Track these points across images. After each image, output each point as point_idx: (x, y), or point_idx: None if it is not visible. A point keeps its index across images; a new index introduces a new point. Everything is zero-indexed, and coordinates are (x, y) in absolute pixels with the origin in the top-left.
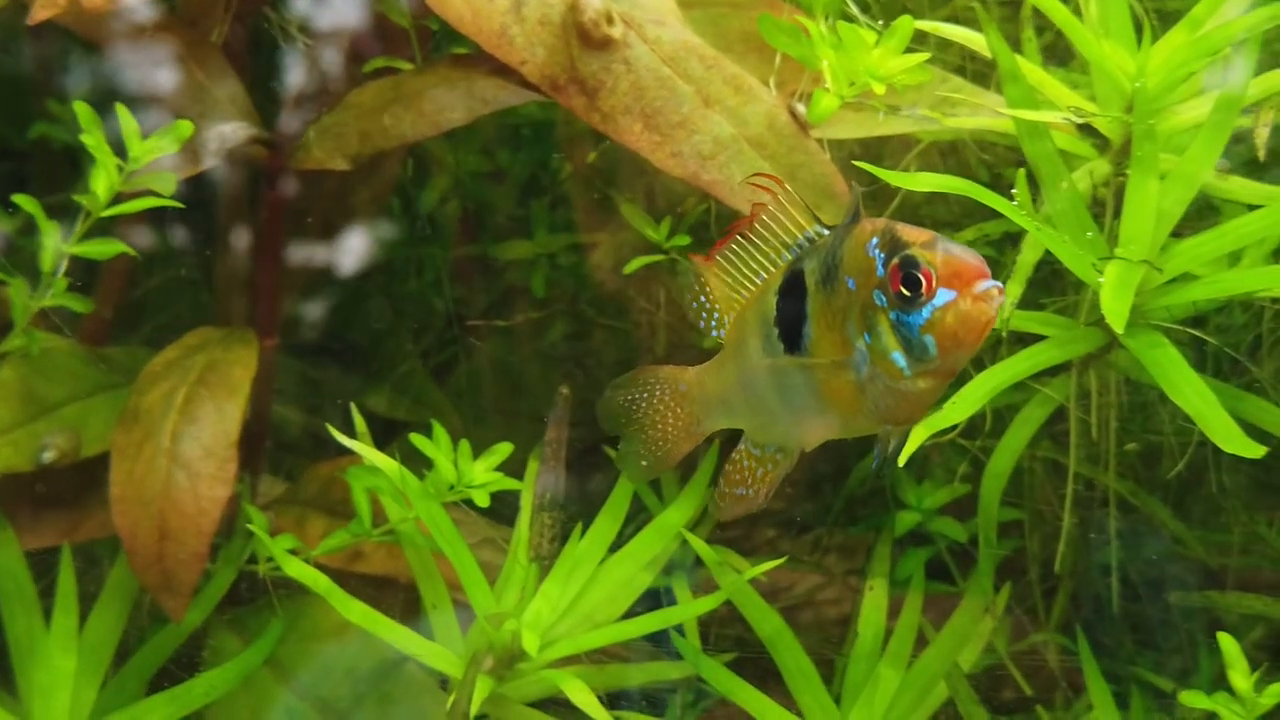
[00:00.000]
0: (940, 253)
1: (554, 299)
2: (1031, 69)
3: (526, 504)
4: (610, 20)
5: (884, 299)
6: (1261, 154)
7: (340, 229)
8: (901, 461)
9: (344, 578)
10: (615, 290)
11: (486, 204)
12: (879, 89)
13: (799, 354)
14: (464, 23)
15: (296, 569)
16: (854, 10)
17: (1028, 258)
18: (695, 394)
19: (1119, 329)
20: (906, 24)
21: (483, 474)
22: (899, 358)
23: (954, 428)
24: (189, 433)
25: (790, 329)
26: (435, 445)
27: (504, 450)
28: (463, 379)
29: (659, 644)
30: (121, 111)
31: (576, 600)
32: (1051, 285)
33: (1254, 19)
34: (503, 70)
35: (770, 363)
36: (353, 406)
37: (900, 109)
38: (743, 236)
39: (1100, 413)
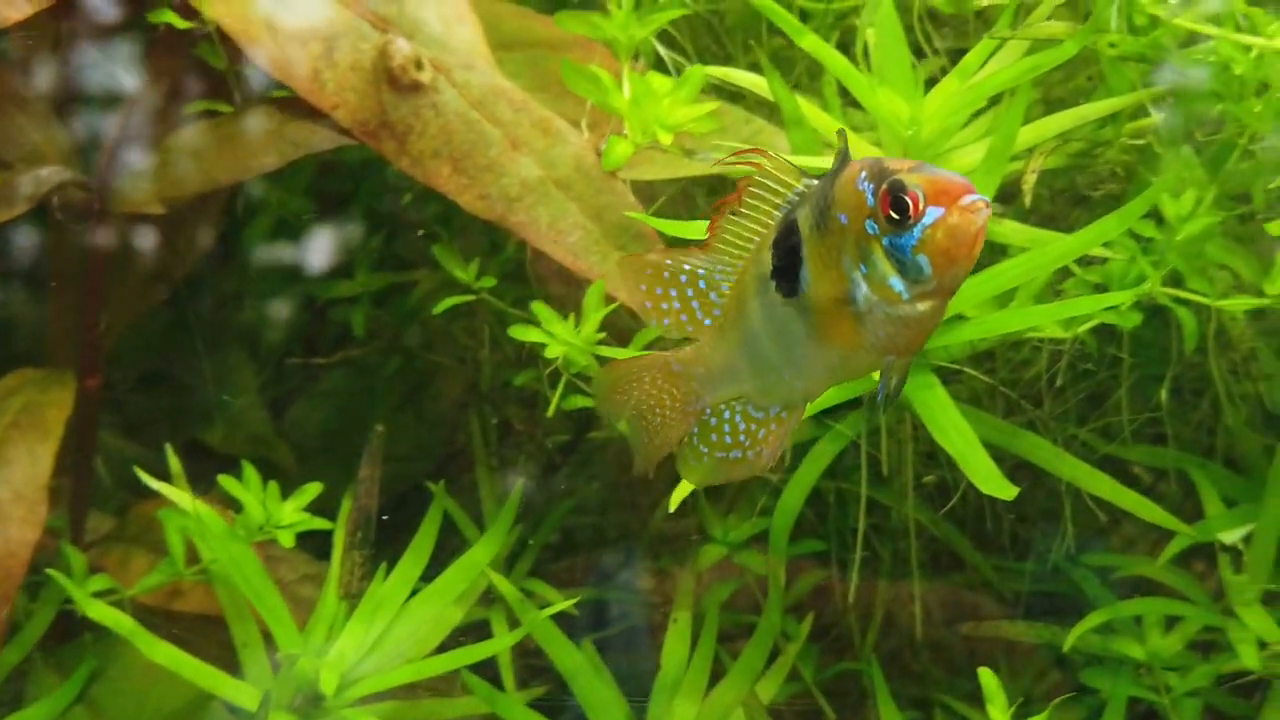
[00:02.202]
0: (926, 175)
1: (380, 335)
2: (817, 114)
3: (339, 542)
4: (419, 65)
5: (876, 227)
6: (1028, 200)
7: (171, 268)
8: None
9: (167, 615)
10: (440, 328)
11: (311, 242)
12: (665, 138)
13: (796, 303)
14: (277, 67)
15: (99, 611)
16: (665, 52)
17: None
18: (694, 371)
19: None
20: (697, 73)
21: (290, 514)
22: (895, 282)
23: None
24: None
25: (788, 278)
26: (244, 486)
27: (312, 490)
28: (299, 413)
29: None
30: None
31: (382, 638)
32: None
33: (1021, 67)
34: (316, 114)
35: (780, 300)
36: (168, 446)
37: (698, 152)
38: (734, 214)
39: (904, 446)
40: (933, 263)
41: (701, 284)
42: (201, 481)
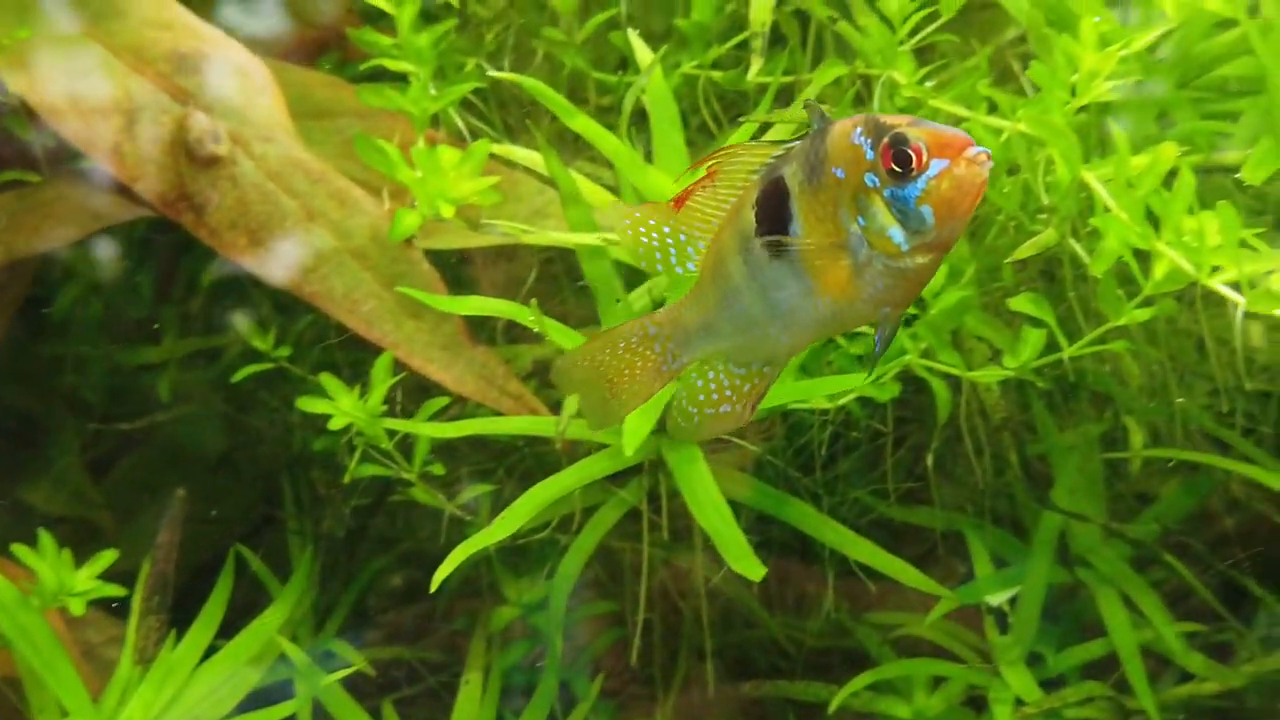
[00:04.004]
0: (927, 129)
1: (193, 398)
2: (595, 191)
3: (135, 607)
4: (217, 138)
5: (876, 180)
6: None
7: None
8: None
9: None
10: (249, 392)
11: (121, 308)
12: (447, 211)
13: (786, 258)
14: (79, 139)
15: None
16: (476, 121)
17: None
18: (669, 332)
19: (629, 450)
20: (482, 148)
21: (84, 581)
22: (896, 233)
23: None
24: None
25: (775, 234)
26: (39, 554)
27: (108, 558)
28: (120, 474)
29: None
30: None
31: (173, 703)
32: None
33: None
34: (118, 186)
35: (766, 242)
36: None
37: (487, 223)
38: (705, 186)
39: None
40: (936, 213)
41: (682, 237)
42: (28, 541)
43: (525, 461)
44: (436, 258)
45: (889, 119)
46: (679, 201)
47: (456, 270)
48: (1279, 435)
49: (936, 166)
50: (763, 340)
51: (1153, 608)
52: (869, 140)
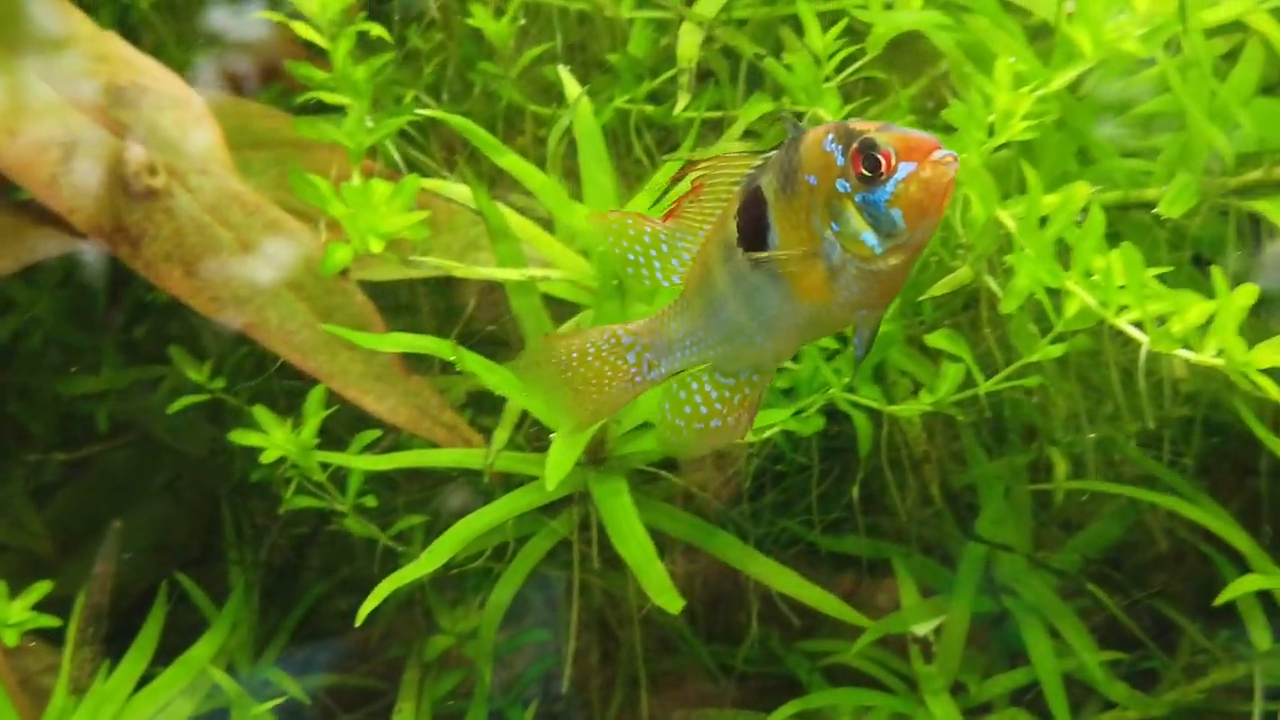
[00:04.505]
0: (895, 134)
1: (134, 427)
2: (524, 225)
3: (70, 638)
4: (153, 171)
5: (847, 185)
6: None
7: None
8: None
9: None
10: (189, 421)
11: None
12: (376, 246)
13: (765, 266)
14: (15, 171)
15: None
16: (416, 153)
17: (513, 408)
18: (648, 341)
19: (550, 485)
20: (412, 183)
21: (19, 613)
22: (869, 237)
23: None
24: None
25: (754, 243)
26: None
27: (42, 588)
28: (62, 503)
29: None
30: None
31: None
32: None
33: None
34: (55, 218)
35: (746, 256)
36: None
37: (414, 259)
38: (693, 198)
39: None
40: (906, 215)
41: (664, 247)
42: None
43: (462, 490)
44: (377, 285)
45: (859, 125)
46: (669, 215)
47: (399, 296)
48: (1201, 464)
49: (904, 170)
50: (748, 347)
51: (1076, 636)
52: (839, 147)
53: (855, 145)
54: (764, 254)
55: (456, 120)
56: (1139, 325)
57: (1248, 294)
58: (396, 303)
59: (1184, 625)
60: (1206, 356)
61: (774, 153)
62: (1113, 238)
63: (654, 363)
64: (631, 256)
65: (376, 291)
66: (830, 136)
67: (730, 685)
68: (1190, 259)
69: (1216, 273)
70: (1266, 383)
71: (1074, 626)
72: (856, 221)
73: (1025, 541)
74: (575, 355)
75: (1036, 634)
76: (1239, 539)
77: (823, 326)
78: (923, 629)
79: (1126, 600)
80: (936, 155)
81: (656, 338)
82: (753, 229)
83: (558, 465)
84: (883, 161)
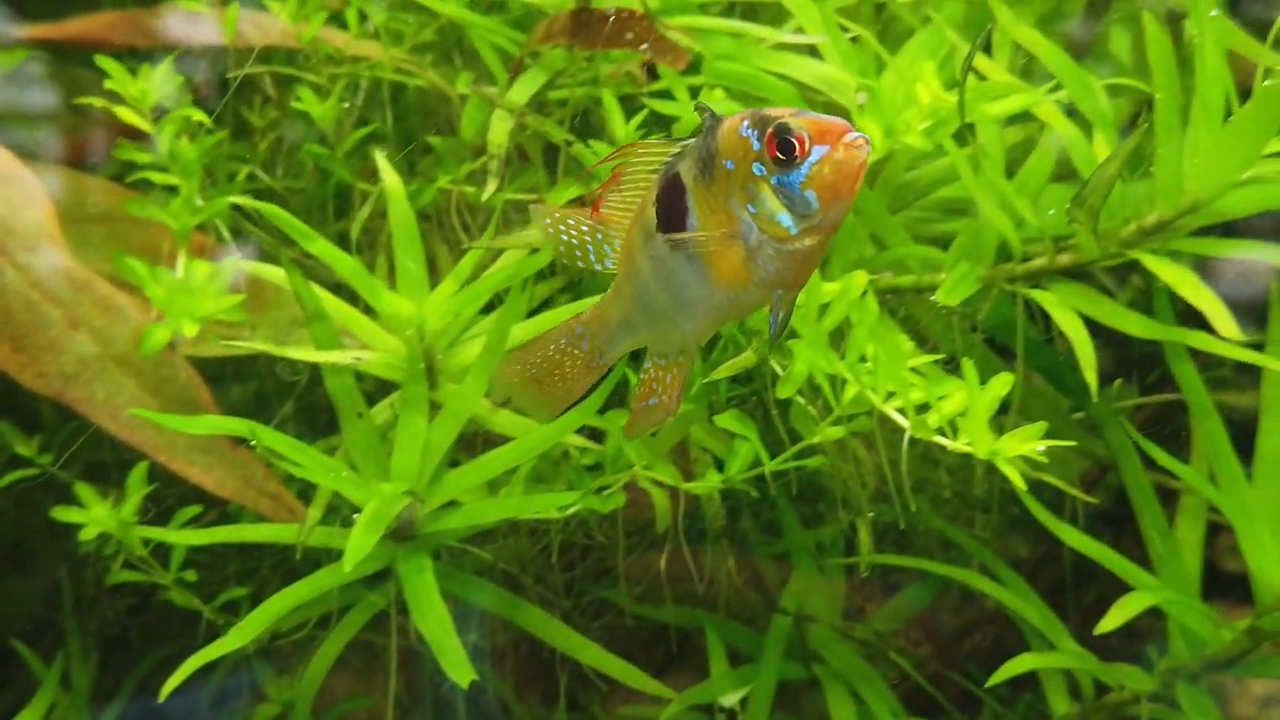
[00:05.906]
0: (809, 119)
1: None
2: (342, 309)
3: None
4: None
5: (763, 169)
6: None
7: None
8: None
9: None
10: (24, 492)
11: None
12: (190, 329)
13: (684, 249)
14: None
15: None
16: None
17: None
18: (595, 329)
19: (347, 567)
20: (230, 265)
21: None
22: (784, 218)
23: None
24: None
25: (674, 229)
26: None
27: None
28: None
29: None
30: None
31: None
32: None
33: (508, 272)
34: None
35: (666, 239)
36: None
37: (228, 341)
38: (615, 189)
39: None
40: (820, 197)
41: (599, 235)
42: None
43: (288, 561)
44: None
45: (773, 111)
46: (595, 206)
47: (238, 365)
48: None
49: (818, 152)
50: (671, 330)
51: (879, 702)
52: (755, 132)
53: (770, 130)
54: (682, 235)
55: (267, 208)
56: (903, 412)
57: (1002, 384)
58: (238, 370)
59: (981, 693)
60: (960, 444)
61: (691, 140)
62: (906, 321)
63: (602, 349)
64: (572, 244)
65: (212, 361)
66: (746, 122)
67: None
68: (984, 341)
69: (967, 366)
70: (1011, 472)
71: (877, 692)
72: (772, 203)
73: (834, 610)
74: (539, 355)
75: (841, 699)
76: (1031, 610)
77: (740, 307)
78: (729, 700)
79: (929, 666)
80: (849, 138)
81: (601, 325)
82: (672, 215)
83: (357, 546)
84: (797, 145)
